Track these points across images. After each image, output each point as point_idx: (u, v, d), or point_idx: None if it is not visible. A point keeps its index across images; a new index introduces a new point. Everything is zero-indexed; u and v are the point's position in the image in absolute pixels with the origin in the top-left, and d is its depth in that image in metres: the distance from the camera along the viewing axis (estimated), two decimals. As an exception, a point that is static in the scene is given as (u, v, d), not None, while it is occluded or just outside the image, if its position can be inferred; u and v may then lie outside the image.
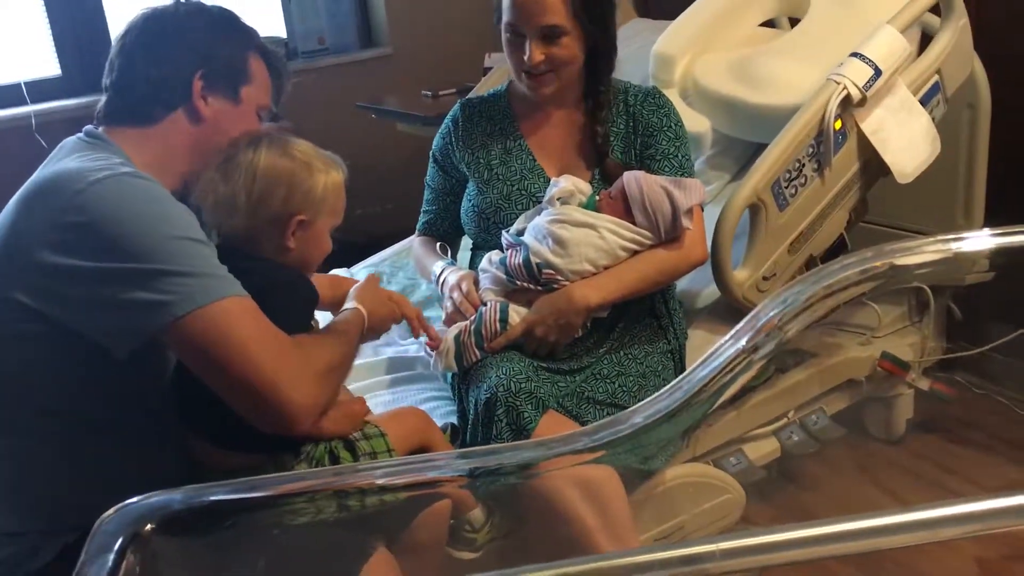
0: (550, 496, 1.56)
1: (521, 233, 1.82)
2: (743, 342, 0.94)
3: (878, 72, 1.90)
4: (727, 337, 0.99)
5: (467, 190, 1.95)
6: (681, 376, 1.01)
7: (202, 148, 1.40)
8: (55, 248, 1.20)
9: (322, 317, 1.56)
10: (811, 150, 1.91)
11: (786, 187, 1.90)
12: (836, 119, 1.90)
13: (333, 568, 1.34)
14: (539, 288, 1.75)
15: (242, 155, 1.37)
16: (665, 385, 1.76)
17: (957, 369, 2.55)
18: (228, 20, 1.47)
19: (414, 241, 2.11)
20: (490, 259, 1.83)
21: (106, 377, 1.27)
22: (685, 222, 1.75)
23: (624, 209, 1.78)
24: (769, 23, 2.45)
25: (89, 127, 1.40)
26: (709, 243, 1.86)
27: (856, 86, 1.89)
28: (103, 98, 1.42)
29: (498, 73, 2.53)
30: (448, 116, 2.00)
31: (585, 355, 1.78)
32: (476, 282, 1.83)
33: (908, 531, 0.75)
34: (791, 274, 2.01)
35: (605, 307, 1.77)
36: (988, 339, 2.41)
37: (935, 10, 2.09)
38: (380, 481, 0.98)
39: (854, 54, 1.92)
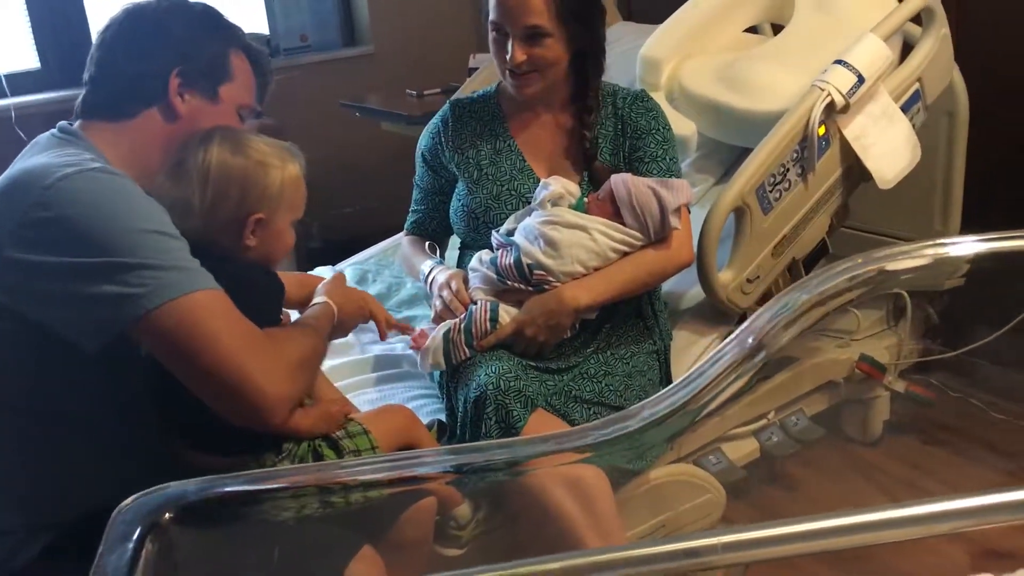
0: (537, 493, 1.57)
1: (511, 233, 1.83)
2: (739, 351, 0.96)
3: (861, 79, 1.93)
4: (722, 345, 1.01)
5: (456, 190, 1.96)
6: (676, 383, 1.03)
7: (177, 145, 1.38)
8: (24, 245, 1.20)
9: (292, 316, 1.57)
10: (795, 155, 1.94)
11: (771, 191, 1.93)
12: (820, 125, 1.94)
13: (318, 566, 1.34)
14: (529, 288, 1.76)
15: (193, 156, 1.34)
16: (650, 385, 1.81)
17: (933, 372, 2.60)
18: (210, 17, 1.46)
19: (402, 240, 2.12)
20: (480, 258, 1.84)
21: (78, 374, 1.26)
22: (673, 221, 1.77)
23: (612, 211, 1.80)
24: (752, 29, 2.49)
25: (63, 123, 1.39)
26: (695, 246, 1.89)
27: (840, 93, 1.92)
28: (82, 92, 1.42)
29: (484, 74, 2.55)
30: (437, 116, 2.01)
31: (573, 355, 1.80)
32: (465, 281, 1.84)
33: (913, 525, 0.78)
34: (774, 276, 2.04)
35: (595, 308, 1.79)
36: (964, 342, 2.46)
37: (917, 20, 2.13)
38: (366, 477, 0.99)
39: (838, 61, 1.95)
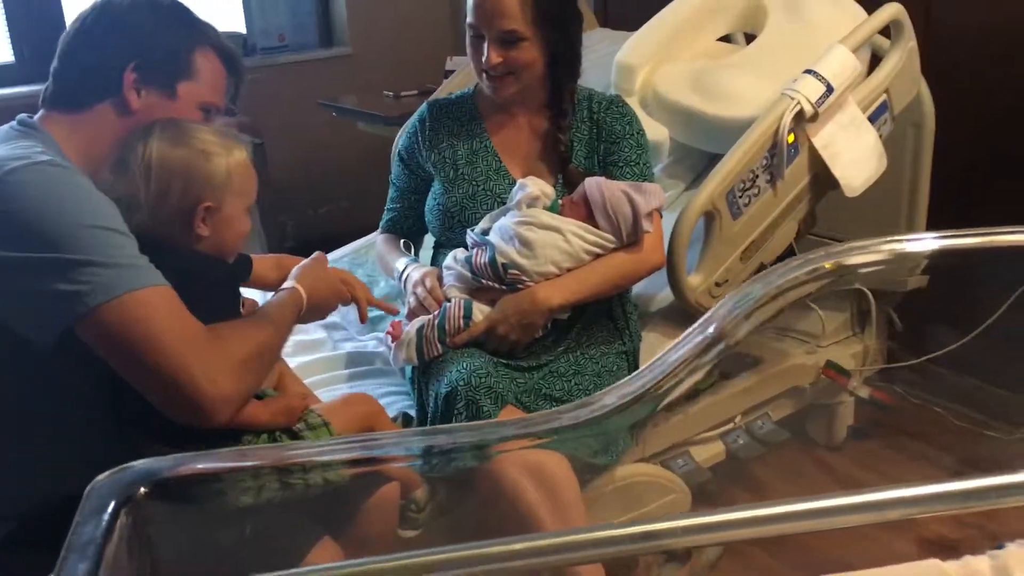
0: (496, 478, 1.57)
1: (486, 232, 1.85)
2: (695, 343, 0.99)
3: (830, 89, 1.97)
4: (680, 338, 1.04)
5: (432, 189, 1.98)
6: (634, 373, 1.05)
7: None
8: None
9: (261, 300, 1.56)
10: (765, 162, 1.98)
11: (740, 197, 1.97)
12: (789, 133, 1.98)
13: (277, 553, 1.32)
14: (503, 287, 1.79)
15: (133, 151, 1.33)
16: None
17: (898, 379, 2.65)
18: (176, 13, 1.45)
19: (377, 238, 2.13)
20: (455, 257, 1.86)
21: (35, 367, 1.25)
22: (646, 225, 1.80)
23: (586, 213, 1.83)
24: (726, 38, 2.53)
25: (23, 115, 1.39)
26: (666, 249, 1.92)
27: (809, 102, 1.96)
28: (47, 84, 1.42)
29: (461, 76, 2.57)
30: (415, 116, 2.03)
31: (543, 353, 1.83)
32: (439, 279, 1.86)
33: (858, 512, 0.81)
34: (742, 281, 2.07)
35: (567, 308, 1.81)
36: (928, 348, 2.51)
37: (887, 33, 2.18)
38: (339, 457, 0.99)
39: (808, 71, 1.99)
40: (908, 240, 1.25)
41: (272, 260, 1.67)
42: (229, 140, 1.38)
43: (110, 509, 0.68)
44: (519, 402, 1.72)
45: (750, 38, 2.46)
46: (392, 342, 1.79)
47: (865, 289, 2.41)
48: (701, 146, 2.19)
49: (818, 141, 2.03)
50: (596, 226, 1.81)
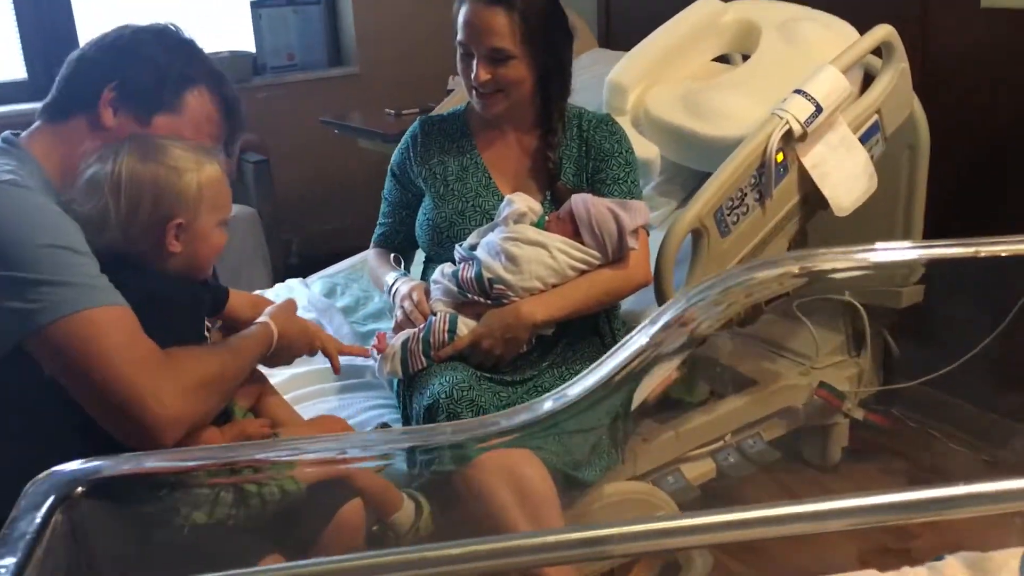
0: (468, 481, 1.57)
1: (474, 248, 1.87)
2: (649, 335, 0.99)
3: (819, 109, 1.98)
4: (636, 330, 1.04)
5: (423, 204, 2.00)
6: (591, 367, 1.05)
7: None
8: None
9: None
10: (753, 180, 1.98)
11: (728, 215, 1.97)
12: (778, 152, 1.98)
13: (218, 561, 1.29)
14: (488, 302, 1.80)
15: (102, 168, 1.32)
16: (606, 401, 1.84)
17: (894, 400, 2.63)
18: (180, 49, 1.46)
19: (369, 253, 2.15)
20: (442, 271, 1.87)
21: None
22: (631, 242, 1.81)
23: (572, 230, 1.84)
24: (724, 59, 2.54)
25: (7, 133, 1.40)
26: (653, 267, 1.93)
27: (798, 121, 1.97)
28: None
29: (459, 94, 2.59)
30: (407, 132, 2.06)
31: (528, 368, 1.83)
32: (427, 293, 1.88)
33: (796, 522, 0.81)
34: (740, 308, 2.07)
35: (551, 324, 1.82)
36: (925, 370, 2.50)
37: (880, 52, 2.19)
38: (271, 455, 0.98)
39: (797, 91, 2.00)
40: (880, 249, 1.25)
41: (248, 298, 1.67)
42: (201, 155, 1.37)
43: (46, 506, 0.69)
44: (501, 416, 1.72)
45: (747, 59, 2.47)
46: (378, 355, 1.80)
47: (858, 305, 2.41)
48: (692, 165, 2.20)
49: (807, 161, 2.03)
50: (582, 242, 1.83)
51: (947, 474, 2.49)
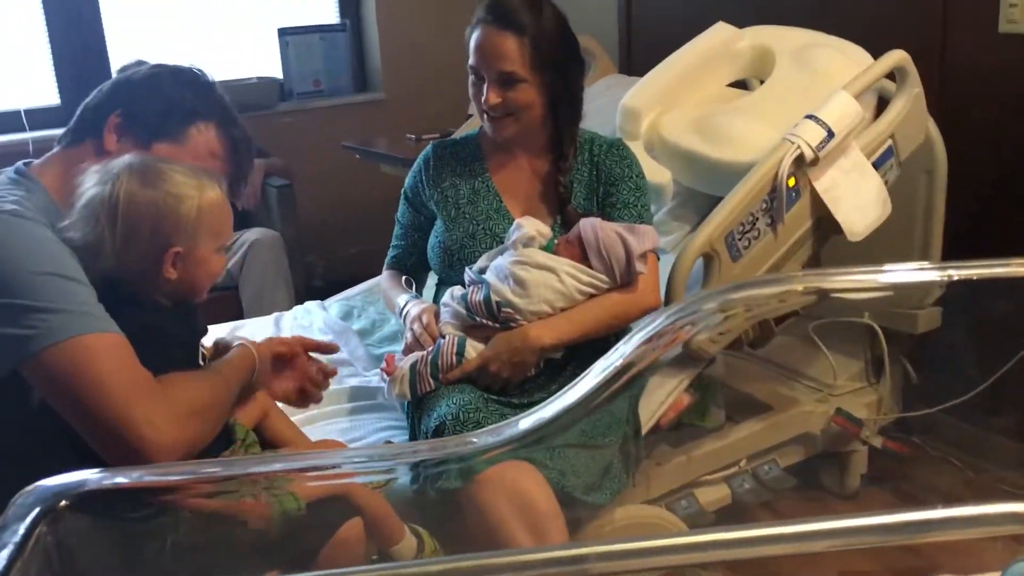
0: (470, 498, 1.57)
1: (483, 271, 1.88)
2: (635, 344, 0.99)
3: (831, 134, 1.98)
4: (622, 341, 1.04)
5: (435, 227, 2.02)
6: (581, 375, 1.05)
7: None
8: None
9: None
10: (765, 205, 1.98)
11: (739, 239, 1.97)
12: (790, 177, 1.98)
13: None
14: (497, 326, 1.81)
15: (100, 192, 1.30)
16: (616, 424, 1.84)
17: (914, 428, 2.60)
18: (192, 84, 1.49)
19: (382, 275, 2.17)
20: (452, 294, 1.89)
21: None
22: (639, 266, 1.81)
23: (580, 254, 1.85)
24: (742, 84, 2.55)
25: (20, 163, 1.44)
26: (663, 291, 1.93)
27: (809, 146, 1.97)
28: None
29: (476, 119, 2.62)
30: (420, 156, 2.08)
31: (536, 391, 1.84)
32: (437, 315, 1.89)
33: (781, 543, 0.81)
34: (744, 326, 2.07)
35: (559, 348, 1.83)
36: (945, 397, 2.47)
37: (894, 78, 2.18)
38: (258, 469, 0.98)
39: (809, 116, 2.00)
40: (891, 270, 1.24)
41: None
42: (203, 180, 1.35)
43: (29, 519, 0.70)
44: (508, 439, 1.73)
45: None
46: (387, 377, 1.82)
47: (876, 327, 2.39)
48: (704, 189, 2.21)
49: (820, 185, 2.03)
50: (590, 266, 1.83)
51: (969, 503, 2.44)
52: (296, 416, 1.76)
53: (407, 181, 2.10)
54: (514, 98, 1.85)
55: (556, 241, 1.88)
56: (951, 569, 0.88)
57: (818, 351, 2.49)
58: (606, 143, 1.99)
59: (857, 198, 2.05)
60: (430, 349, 1.82)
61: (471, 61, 1.88)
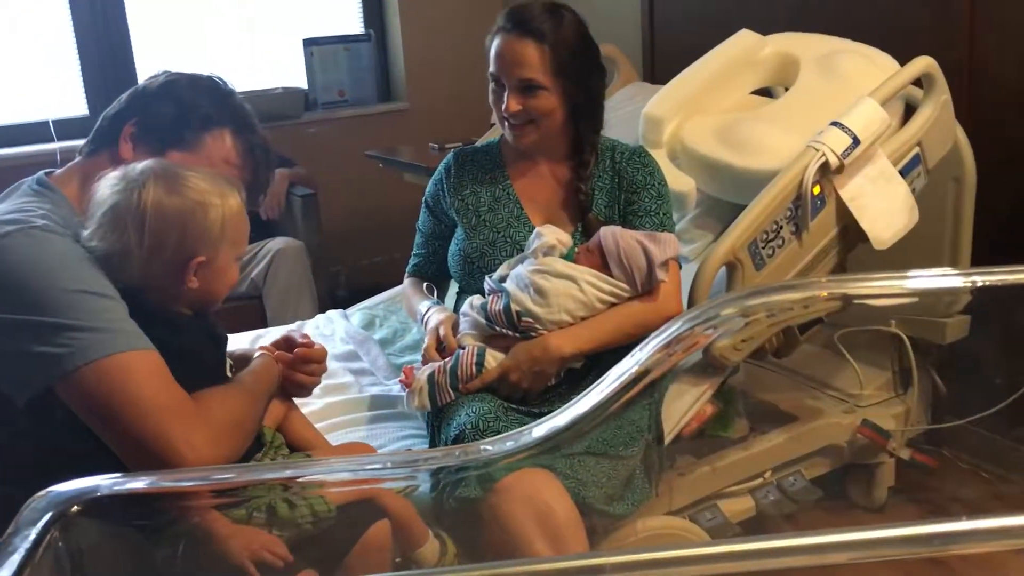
0: (489, 507, 1.56)
1: (503, 280, 1.87)
2: (652, 350, 0.97)
3: (856, 141, 1.95)
4: (639, 347, 1.03)
5: (455, 235, 2.02)
6: (597, 381, 1.04)
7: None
8: None
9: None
10: (789, 213, 1.96)
11: (763, 247, 1.95)
12: (815, 184, 1.96)
13: None
14: (517, 335, 1.80)
15: (126, 200, 1.29)
16: (638, 433, 1.83)
17: (943, 440, 2.56)
18: (209, 92, 1.49)
19: (404, 283, 2.17)
20: (471, 303, 1.88)
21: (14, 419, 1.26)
22: (660, 274, 1.80)
23: (601, 262, 1.84)
24: (766, 92, 2.53)
25: (41, 174, 1.44)
26: (685, 299, 1.91)
27: (834, 153, 1.94)
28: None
29: (498, 128, 2.61)
30: (441, 164, 2.08)
31: (557, 400, 1.82)
32: (455, 325, 1.88)
33: (804, 554, 0.79)
34: (767, 334, 2.04)
35: (579, 357, 1.81)
36: (975, 408, 2.43)
37: (921, 83, 2.16)
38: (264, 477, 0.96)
39: (834, 123, 1.98)
40: (916, 276, 1.22)
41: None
42: (224, 187, 1.35)
43: (41, 524, 0.70)
44: (528, 448, 1.71)
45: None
46: (405, 389, 1.81)
47: (904, 336, 2.35)
48: (728, 197, 2.18)
49: (846, 193, 2.00)
50: (611, 275, 1.82)
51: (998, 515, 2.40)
52: (318, 424, 1.76)
53: (428, 189, 2.09)
54: (534, 105, 1.84)
55: (576, 250, 1.87)
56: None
57: (843, 361, 2.45)
58: (628, 150, 1.98)
59: (883, 206, 2.03)
60: (448, 359, 1.81)
61: (491, 68, 1.87)
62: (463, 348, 1.81)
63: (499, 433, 1.65)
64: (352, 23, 4.19)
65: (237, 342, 1.62)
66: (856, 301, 1.16)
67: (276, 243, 3.23)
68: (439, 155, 3.31)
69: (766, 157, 2.08)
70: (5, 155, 3.44)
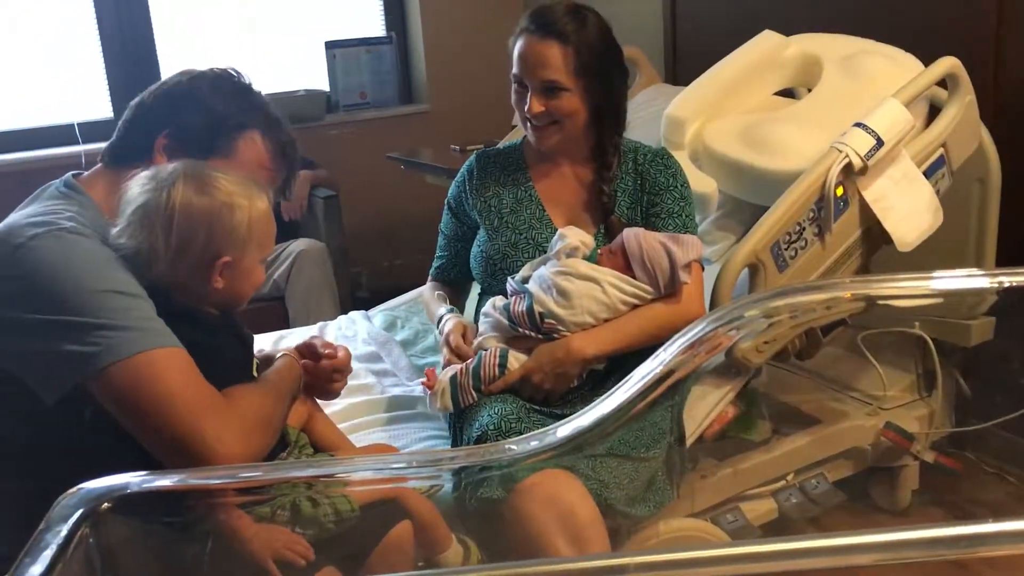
0: (512, 508, 1.56)
1: (526, 281, 1.88)
2: (675, 351, 0.97)
3: (880, 142, 1.95)
4: (663, 347, 1.03)
5: (477, 236, 2.02)
6: (621, 382, 1.04)
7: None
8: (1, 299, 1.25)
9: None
10: (812, 214, 1.95)
11: (786, 249, 1.94)
12: (838, 186, 1.95)
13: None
14: (539, 336, 1.80)
15: (156, 199, 1.30)
16: (660, 435, 1.82)
17: (968, 443, 2.54)
18: (235, 94, 1.49)
19: (425, 286, 2.18)
20: (494, 304, 1.88)
21: (31, 420, 1.27)
22: (683, 276, 1.80)
23: (624, 264, 1.84)
24: (789, 93, 2.52)
25: (68, 176, 1.45)
26: (708, 301, 1.91)
27: (858, 155, 1.94)
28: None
29: (520, 130, 2.62)
30: (464, 166, 2.09)
31: (579, 402, 1.82)
32: (467, 332, 1.89)
33: (826, 555, 0.79)
34: (790, 335, 2.03)
35: (602, 359, 1.81)
36: (1000, 411, 2.41)
37: (945, 84, 2.14)
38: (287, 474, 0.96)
39: (857, 124, 1.97)
40: (940, 276, 1.21)
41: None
42: (252, 189, 1.36)
43: (72, 520, 0.71)
44: (550, 449, 1.72)
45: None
46: (428, 391, 1.81)
47: (929, 339, 2.33)
48: (750, 199, 2.18)
49: (869, 194, 2.00)
50: (634, 276, 1.82)
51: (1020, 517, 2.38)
52: (340, 424, 1.77)
53: (450, 191, 2.10)
54: (557, 107, 1.84)
55: (599, 251, 1.87)
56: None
57: (867, 363, 2.44)
58: (650, 152, 1.98)
59: (907, 207, 2.02)
60: (471, 360, 1.81)
61: (514, 70, 1.88)
62: (485, 349, 1.82)
63: (521, 434, 1.65)
64: (374, 25, 4.21)
65: (259, 343, 1.63)
66: (880, 302, 1.15)
67: (298, 244, 3.25)
68: (460, 157, 3.32)
69: (789, 158, 2.07)
70: (30, 158, 3.48)
